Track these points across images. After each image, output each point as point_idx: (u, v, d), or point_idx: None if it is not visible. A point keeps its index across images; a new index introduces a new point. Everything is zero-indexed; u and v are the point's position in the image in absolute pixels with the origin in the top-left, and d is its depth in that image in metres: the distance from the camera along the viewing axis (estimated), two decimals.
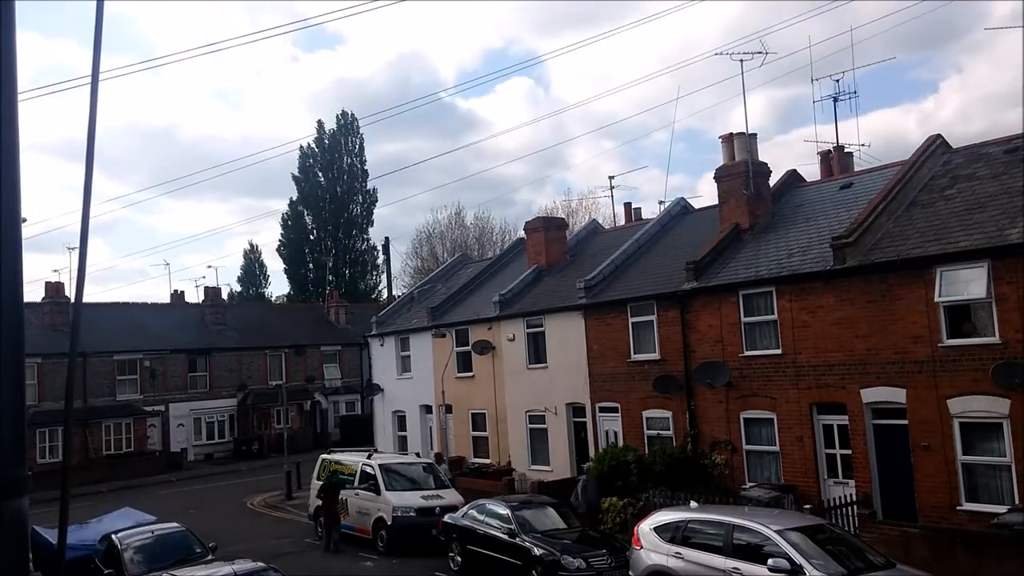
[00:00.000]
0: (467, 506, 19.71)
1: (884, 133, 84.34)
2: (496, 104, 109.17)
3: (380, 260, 62.35)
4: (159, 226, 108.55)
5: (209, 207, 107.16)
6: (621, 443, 22.74)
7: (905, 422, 17.33)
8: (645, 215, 33.77)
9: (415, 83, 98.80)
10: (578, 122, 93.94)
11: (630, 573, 15.04)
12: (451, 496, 21.24)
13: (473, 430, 29.14)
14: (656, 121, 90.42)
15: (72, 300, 42.52)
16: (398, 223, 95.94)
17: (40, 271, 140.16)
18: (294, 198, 65.26)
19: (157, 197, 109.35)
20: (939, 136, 20.94)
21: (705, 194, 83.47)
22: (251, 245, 76.06)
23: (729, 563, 13.01)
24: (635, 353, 23.12)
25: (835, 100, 26.42)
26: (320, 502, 22.05)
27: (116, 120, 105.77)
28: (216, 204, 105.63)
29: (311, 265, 65.47)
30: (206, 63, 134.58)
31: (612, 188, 44.31)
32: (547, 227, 30.03)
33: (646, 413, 22.83)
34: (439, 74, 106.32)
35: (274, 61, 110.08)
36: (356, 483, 21.94)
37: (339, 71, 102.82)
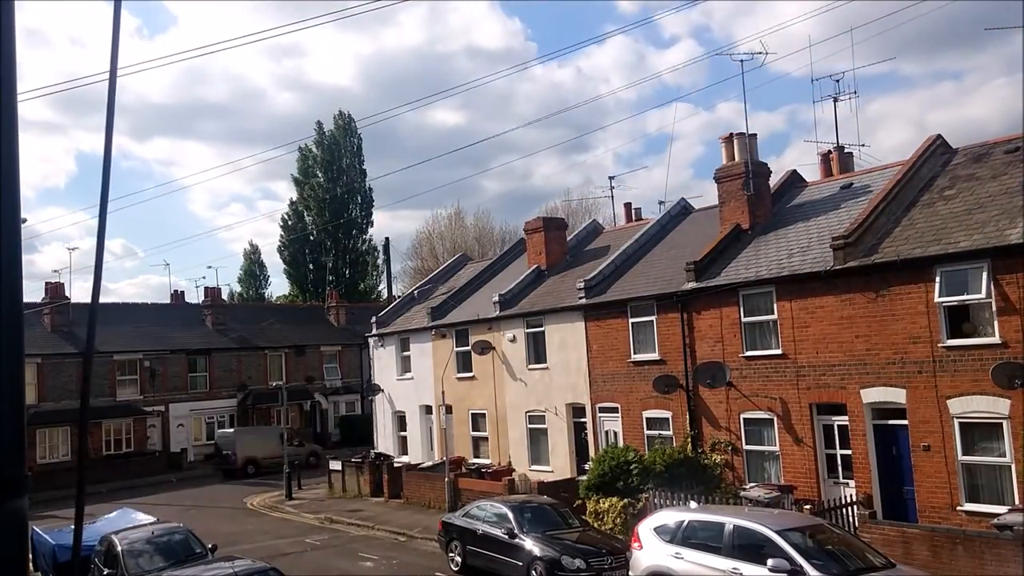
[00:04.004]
0: (467, 506, 19.72)
1: None
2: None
3: (380, 260, 62.44)
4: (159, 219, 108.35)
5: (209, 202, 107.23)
6: (621, 443, 22.73)
7: (905, 422, 17.33)
8: (645, 215, 33.76)
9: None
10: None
11: (630, 573, 15.04)
12: None
13: (473, 430, 29.14)
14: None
15: (70, 299, 42.50)
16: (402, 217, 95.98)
17: (40, 271, 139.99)
18: (294, 198, 65.41)
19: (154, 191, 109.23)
20: (939, 136, 20.94)
21: (705, 194, 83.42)
22: (251, 245, 76.38)
23: (729, 563, 13.00)
24: (635, 353, 23.12)
25: (835, 100, 26.38)
26: None
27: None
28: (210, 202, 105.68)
29: (311, 265, 65.53)
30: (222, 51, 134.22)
31: (612, 188, 44.26)
32: (547, 227, 30.02)
33: (646, 413, 22.83)
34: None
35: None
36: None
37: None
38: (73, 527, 2.17)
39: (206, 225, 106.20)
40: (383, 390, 33.85)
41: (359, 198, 65.54)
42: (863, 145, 31.51)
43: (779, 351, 19.61)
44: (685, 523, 14.28)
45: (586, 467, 22.77)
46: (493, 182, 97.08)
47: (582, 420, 24.93)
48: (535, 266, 29.46)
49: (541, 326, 26.36)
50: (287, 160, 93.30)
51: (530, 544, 16.77)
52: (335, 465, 31.61)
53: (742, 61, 23.69)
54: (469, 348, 28.84)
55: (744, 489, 18.73)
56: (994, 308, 15.92)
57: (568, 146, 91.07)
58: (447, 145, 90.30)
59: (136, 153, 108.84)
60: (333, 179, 64.22)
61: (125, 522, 18.81)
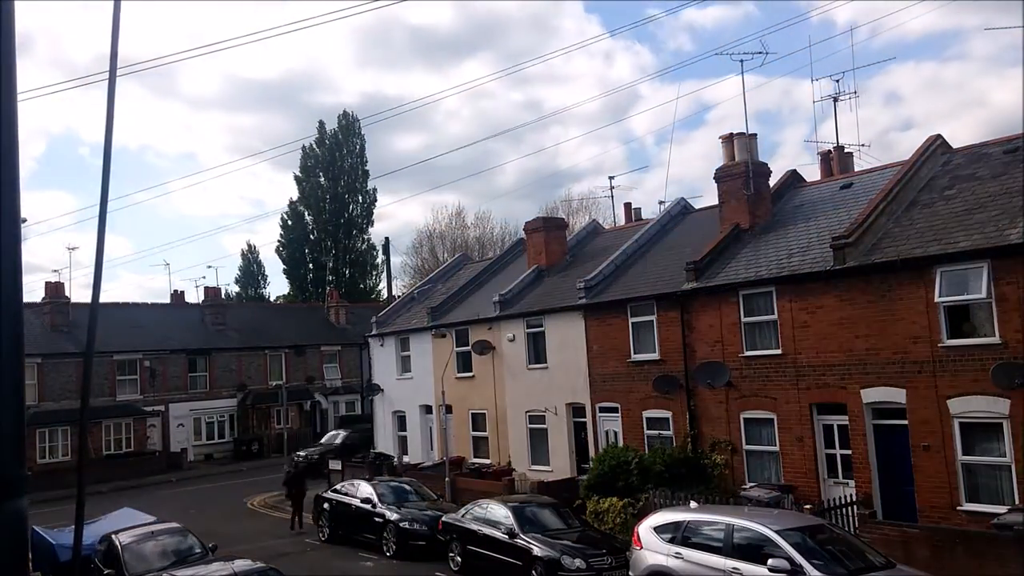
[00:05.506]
0: (467, 506, 19.72)
1: None
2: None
3: (380, 260, 62.48)
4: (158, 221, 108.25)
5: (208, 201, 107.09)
6: (621, 443, 22.73)
7: (905, 422, 17.33)
8: (645, 215, 33.79)
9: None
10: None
11: (630, 573, 15.05)
12: None
13: (473, 430, 29.13)
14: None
15: (70, 299, 42.52)
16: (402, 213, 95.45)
17: (40, 270, 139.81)
18: (294, 198, 65.44)
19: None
20: (939, 136, 20.95)
21: (706, 194, 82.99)
22: (248, 245, 76.48)
23: (729, 563, 13.01)
24: (635, 353, 23.11)
25: (835, 100, 26.41)
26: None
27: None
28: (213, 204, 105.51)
29: (311, 265, 65.55)
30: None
31: (612, 188, 44.42)
32: (547, 227, 30.04)
33: (646, 413, 22.82)
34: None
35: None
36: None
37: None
38: (73, 527, 2.17)
39: (186, 213, 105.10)
40: (383, 390, 33.85)
41: (360, 197, 65.59)
42: (863, 145, 31.51)
43: (779, 351, 19.60)
44: (685, 523, 14.28)
45: (586, 467, 22.78)
46: (518, 157, 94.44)
47: (582, 420, 24.92)
48: (535, 266, 29.46)
49: (541, 326, 26.36)
50: (265, 135, 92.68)
51: (530, 544, 16.76)
52: (335, 465, 31.61)
53: (742, 61, 23.66)
54: (469, 348, 28.84)
55: (744, 489, 18.73)
56: (994, 308, 15.92)
57: (603, 118, 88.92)
58: (466, 109, 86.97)
59: (90, 128, 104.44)
60: (334, 179, 64.27)
61: (125, 522, 18.81)
